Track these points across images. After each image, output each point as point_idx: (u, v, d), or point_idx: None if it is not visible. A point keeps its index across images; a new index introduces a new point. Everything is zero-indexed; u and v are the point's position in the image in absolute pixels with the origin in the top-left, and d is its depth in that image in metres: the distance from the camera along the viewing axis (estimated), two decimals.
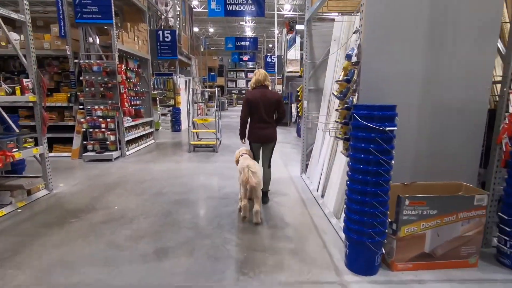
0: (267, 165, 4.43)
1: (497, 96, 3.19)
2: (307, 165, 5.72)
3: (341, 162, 3.95)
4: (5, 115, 4.64)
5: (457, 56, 2.84)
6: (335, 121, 3.10)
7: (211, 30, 25.94)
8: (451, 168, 2.97)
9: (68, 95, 7.13)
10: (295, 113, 14.69)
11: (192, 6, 17.31)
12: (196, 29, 23.71)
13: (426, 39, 2.79)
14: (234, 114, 20.25)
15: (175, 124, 11.58)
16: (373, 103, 2.64)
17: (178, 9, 12.93)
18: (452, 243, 2.69)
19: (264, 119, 4.11)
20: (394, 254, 2.68)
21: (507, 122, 2.72)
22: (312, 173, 5.33)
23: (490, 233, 3.06)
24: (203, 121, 8.01)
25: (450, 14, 2.78)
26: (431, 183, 2.89)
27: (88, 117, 6.87)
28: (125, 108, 7.16)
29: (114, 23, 6.77)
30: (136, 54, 8.18)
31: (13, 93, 4.19)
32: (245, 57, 24.51)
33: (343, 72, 2.82)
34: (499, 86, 3.07)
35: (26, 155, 4.30)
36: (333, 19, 5.08)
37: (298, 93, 5.46)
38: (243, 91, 30.73)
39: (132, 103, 8.33)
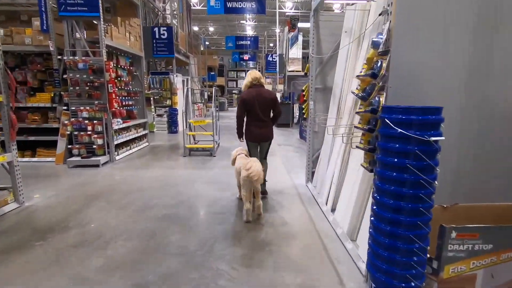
0: (263, 159, 4.48)
1: None
2: (313, 172, 5.09)
3: (356, 173, 3.32)
4: None
5: None
6: (356, 127, 2.47)
7: (211, 29, 25.33)
8: (502, 186, 2.34)
9: (52, 95, 6.51)
10: (297, 114, 14.10)
11: (191, 3, 16.69)
12: (195, 28, 23.12)
13: (477, 22, 2.15)
14: (234, 114, 19.60)
15: (172, 125, 10.96)
16: (405, 103, 2.03)
17: (175, 6, 12.31)
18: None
19: (261, 118, 4.11)
20: None
21: None
22: (319, 182, 4.70)
23: None
24: (200, 122, 7.39)
25: None
26: (477, 205, 2.26)
27: (73, 119, 6.25)
28: (114, 109, 6.54)
29: (101, 16, 6.14)
30: (128, 51, 7.56)
31: None
32: (246, 57, 23.87)
33: (366, 65, 2.21)
34: None
35: None
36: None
37: (304, 93, 4.80)
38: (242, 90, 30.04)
39: (124, 103, 7.72)
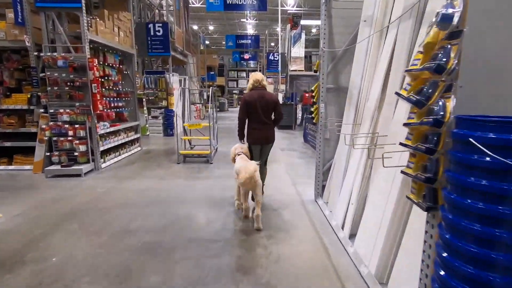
0: (263, 164, 4.32)
1: None
2: (323, 186, 4.35)
3: (385, 195, 2.58)
4: None
5: None
6: (403, 144, 1.72)
7: (211, 28, 24.58)
8: None
9: (29, 96, 5.78)
10: (300, 115, 13.35)
11: (189, 0, 15.94)
12: (195, 27, 22.39)
13: None
14: (234, 115, 18.85)
15: (168, 127, 10.22)
16: (484, 111, 1.30)
17: (172, 2, 11.57)
18: None
19: (263, 120, 4.05)
20: None
21: None
22: (332, 199, 3.96)
23: None
24: (195, 126, 6.66)
25: None
26: None
27: (52, 123, 5.52)
28: (99, 112, 5.81)
29: (83, 7, 5.41)
30: (117, 48, 6.82)
31: None
32: (246, 56, 23.13)
33: (423, 54, 1.46)
34: None
35: None
36: None
37: (313, 93, 4.06)
38: (244, 91, 29.31)
39: (113, 105, 6.98)
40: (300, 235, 3.36)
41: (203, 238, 3.28)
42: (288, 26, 15.97)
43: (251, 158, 4.02)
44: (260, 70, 27.01)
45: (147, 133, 9.05)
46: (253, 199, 3.81)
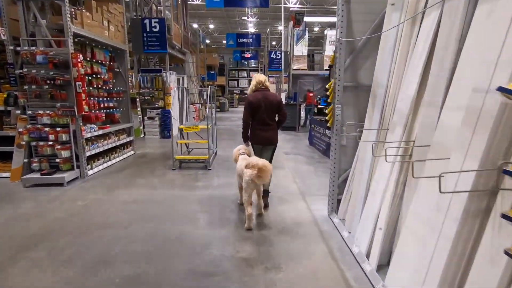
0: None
1: None
2: (338, 200, 3.71)
3: (435, 227, 1.93)
4: None
5: None
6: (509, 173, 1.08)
7: (211, 26, 23.94)
8: None
9: (5, 96, 5.14)
10: (304, 116, 12.70)
11: None
12: (195, 25, 21.74)
13: None
14: (235, 116, 18.24)
15: (165, 129, 9.58)
16: None
17: None
18: None
19: (266, 121, 3.96)
20: None
21: None
22: (351, 217, 3.31)
23: None
24: (192, 129, 6.01)
25: None
26: None
27: (31, 126, 4.88)
28: (84, 113, 5.18)
29: None
30: (106, 43, 6.17)
31: None
32: (247, 54, 22.49)
33: None
34: None
35: None
36: None
37: (328, 92, 3.41)
38: (245, 91, 28.74)
39: (102, 105, 6.35)
40: (316, 267, 2.71)
41: (196, 271, 2.63)
42: (291, 23, 15.32)
43: None
44: (261, 70, 26.37)
45: (141, 136, 8.41)
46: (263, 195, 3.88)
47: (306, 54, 15.59)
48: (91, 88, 5.93)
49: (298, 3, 17.89)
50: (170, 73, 9.94)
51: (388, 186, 2.63)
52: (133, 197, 4.40)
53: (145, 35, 9.53)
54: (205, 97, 17.22)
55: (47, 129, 4.89)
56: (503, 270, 1.42)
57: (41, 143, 4.91)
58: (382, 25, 3.10)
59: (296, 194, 4.58)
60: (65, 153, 4.98)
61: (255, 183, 3.39)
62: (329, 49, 15.49)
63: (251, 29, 23.91)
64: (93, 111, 5.91)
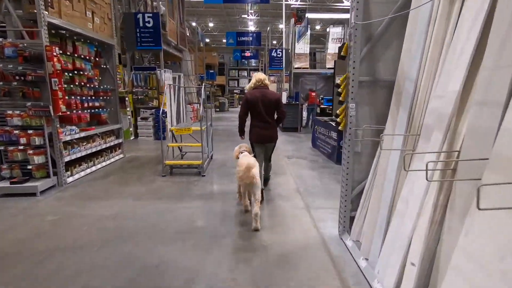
0: (268, 161, 4.31)
1: None
2: (351, 218, 3.09)
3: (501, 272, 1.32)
4: None
5: None
6: None
7: (211, 25, 23.32)
8: None
9: None
10: (306, 116, 12.07)
11: None
12: (194, 24, 21.13)
13: None
14: (235, 116, 17.61)
15: (159, 130, 8.97)
16: None
17: None
18: None
19: (265, 119, 3.93)
20: None
21: None
22: (368, 240, 2.69)
23: None
24: (184, 131, 5.40)
25: None
26: None
27: None
28: (62, 113, 4.57)
29: None
30: (90, 36, 5.55)
31: None
32: (248, 53, 21.88)
33: None
34: None
35: None
36: None
37: (340, 89, 2.78)
38: (246, 91, 28.12)
39: (86, 104, 5.75)
40: None
41: None
42: (292, 20, 14.71)
43: (254, 157, 3.83)
44: (261, 69, 25.76)
45: (131, 138, 7.79)
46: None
47: (308, 52, 14.98)
48: (72, 86, 5.33)
49: (299, 0, 17.26)
50: (165, 71, 9.34)
51: (423, 209, 2.01)
52: (113, 210, 3.79)
53: (138, 30, 8.95)
54: (203, 96, 16.61)
55: (17, 131, 4.29)
56: None
57: (11, 148, 4.31)
58: (408, 7, 2.48)
59: (300, 206, 3.96)
60: (38, 159, 4.37)
61: (248, 184, 3.34)
62: (332, 47, 14.88)
63: (251, 27, 23.30)
64: (74, 111, 5.32)
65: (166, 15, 9.28)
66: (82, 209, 3.83)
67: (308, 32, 13.48)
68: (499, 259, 1.36)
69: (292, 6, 17.36)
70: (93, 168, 5.58)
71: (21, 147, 4.31)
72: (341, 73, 8.46)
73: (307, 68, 14.81)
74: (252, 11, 19.92)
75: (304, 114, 11.94)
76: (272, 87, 13.98)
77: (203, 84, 6.05)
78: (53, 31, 4.86)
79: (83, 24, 5.32)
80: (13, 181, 4.26)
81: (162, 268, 2.56)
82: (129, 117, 7.17)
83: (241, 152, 3.83)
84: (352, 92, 2.83)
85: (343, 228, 3.10)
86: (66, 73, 5.14)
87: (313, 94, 11.37)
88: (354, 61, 2.79)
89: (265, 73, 15.98)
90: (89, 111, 5.82)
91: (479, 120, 1.72)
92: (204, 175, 5.30)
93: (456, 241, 1.68)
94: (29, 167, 4.33)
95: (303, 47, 14.81)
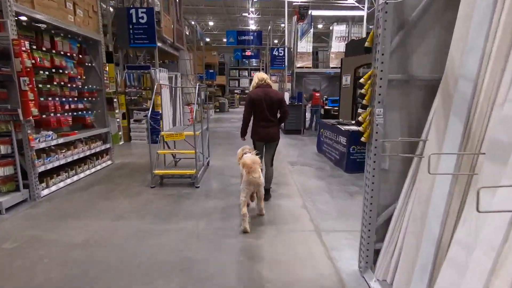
0: (269, 164, 4.15)
1: None
2: (376, 250, 2.45)
3: None
4: None
5: None
6: None
7: (211, 23, 22.67)
8: None
9: None
10: (309, 117, 11.42)
11: None
12: (193, 22, 20.50)
13: None
14: (235, 117, 17.00)
15: (153, 133, 8.32)
16: None
17: None
18: None
19: (268, 118, 3.91)
20: None
21: None
22: (402, 284, 2.06)
23: None
24: (176, 137, 4.77)
25: None
26: None
27: None
28: (33, 117, 3.95)
29: None
30: (70, 30, 4.92)
31: None
32: (248, 52, 21.24)
33: None
34: None
35: None
36: None
37: (363, 89, 2.13)
38: (246, 91, 27.52)
39: (68, 107, 5.12)
40: None
41: None
42: (294, 18, 14.05)
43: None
44: (262, 69, 25.11)
45: (120, 142, 7.15)
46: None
47: (311, 50, 14.33)
48: (49, 85, 4.71)
49: None
50: (160, 70, 8.71)
51: (502, 265, 1.37)
52: (87, 233, 3.15)
53: (131, 27, 8.32)
54: (202, 97, 15.99)
55: None
56: None
57: None
58: None
59: (308, 228, 3.32)
60: (5, 170, 3.75)
61: (253, 184, 3.34)
62: (335, 46, 14.23)
63: (252, 26, 22.64)
64: (53, 115, 4.70)
65: (161, 11, 8.64)
66: (49, 232, 3.20)
67: (311, 30, 12.83)
68: None
69: (294, 3, 16.71)
70: (75, 178, 4.96)
71: None
72: (348, 73, 7.86)
73: (310, 67, 14.15)
74: (253, 9, 19.25)
75: (307, 115, 11.29)
76: (274, 87, 13.36)
77: (197, 84, 5.40)
78: (24, 23, 4.23)
79: (62, 16, 4.68)
80: None
81: None
82: (118, 119, 6.53)
83: (245, 153, 3.74)
84: (379, 94, 2.19)
85: (365, 263, 2.46)
86: (42, 72, 4.53)
87: (317, 94, 10.73)
88: (382, 54, 2.15)
89: (266, 73, 15.37)
90: (70, 113, 5.19)
91: None
92: (198, 186, 4.67)
93: None
94: None
95: (305, 45, 14.15)
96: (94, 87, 5.76)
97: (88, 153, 5.34)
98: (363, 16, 13.71)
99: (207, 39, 25.97)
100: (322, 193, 4.41)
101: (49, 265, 2.59)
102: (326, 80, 15.06)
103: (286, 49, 12.64)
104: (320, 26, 21.00)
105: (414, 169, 2.24)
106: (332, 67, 14.16)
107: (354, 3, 13.81)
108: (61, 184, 4.64)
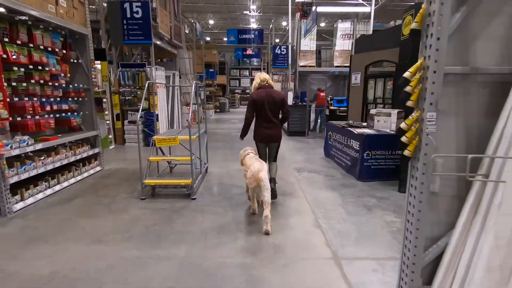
0: (272, 161, 4.09)
1: None
2: None
3: None
4: None
5: None
6: None
7: (211, 22, 22.08)
8: None
9: None
10: (314, 118, 10.82)
11: None
12: (192, 20, 19.93)
13: None
14: (236, 117, 16.44)
15: (149, 135, 7.76)
16: None
17: None
18: None
19: (270, 118, 3.88)
20: None
21: None
22: None
23: None
24: (169, 142, 4.19)
25: None
26: None
27: None
28: (3, 120, 3.37)
29: None
30: (51, 22, 4.33)
31: None
32: (249, 51, 20.66)
33: None
34: None
35: None
36: None
37: (408, 87, 1.52)
38: (247, 91, 26.94)
39: (50, 108, 4.55)
40: None
41: None
42: (297, 15, 13.46)
43: (259, 157, 3.81)
44: (264, 68, 24.52)
45: (110, 147, 6.55)
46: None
47: (314, 49, 13.74)
48: (26, 84, 4.13)
49: None
50: (156, 68, 8.13)
51: None
52: (56, 263, 2.58)
53: (125, 22, 7.75)
54: (202, 96, 15.42)
55: None
56: None
57: None
58: None
59: (324, 255, 2.74)
60: None
61: (256, 186, 3.29)
62: (340, 44, 13.64)
63: (253, 24, 22.04)
64: (30, 117, 4.12)
65: (157, 5, 8.05)
66: (11, 261, 2.62)
67: (315, 30, 12.24)
68: None
69: (297, 0, 16.11)
70: (57, 188, 4.39)
71: None
72: (358, 71, 7.25)
73: (314, 66, 13.56)
74: (254, 7, 18.65)
75: (312, 116, 10.69)
76: (276, 87, 12.79)
77: (194, 82, 4.83)
78: None
79: (40, 5, 4.10)
80: None
81: None
82: (107, 121, 5.93)
83: (247, 154, 3.71)
84: (432, 93, 1.61)
85: None
86: (17, 68, 3.94)
87: (322, 94, 10.13)
88: (438, 38, 1.56)
89: (268, 72, 14.74)
90: (53, 115, 4.62)
91: None
92: (195, 198, 4.09)
93: None
94: None
95: (309, 43, 13.58)
96: (81, 86, 5.19)
97: (73, 159, 4.77)
98: (367, 12, 13.13)
99: (208, 38, 25.40)
100: (336, 208, 3.82)
101: None
102: (330, 80, 14.48)
103: (289, 46, 12.02)
104: (322, 24, 20.41)
105: (477, 194, 1.66)
106: (337, 66, 13.58)
107: (359, 0, 13.21)
108: (40, 196, 4.07)
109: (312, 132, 10.11)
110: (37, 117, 4.26)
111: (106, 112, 6.00)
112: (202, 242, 2.95)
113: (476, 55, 1.65)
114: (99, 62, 8.19)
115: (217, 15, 21.14)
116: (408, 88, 1.70)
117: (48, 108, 4.49)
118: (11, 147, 3.58)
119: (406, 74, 1.70)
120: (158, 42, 8.34)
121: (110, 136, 6.51)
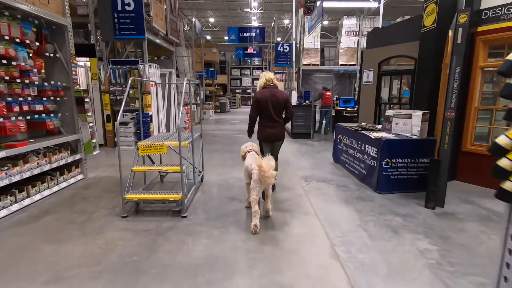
0: (274, 158, 3.65)
1: None
2: None
3: None
4: None
5: None
6: None
7: (211, 20, 21.40)
8: None
9: None
10: (319, 119, 10.15)
11: None
12: (193, 19, 19.28)
13: None
14: (237, 118, 15.78)
15: (141, 138, 7.11)
16: None
17: None
18: None
19: (273, 118, 3.87)
20: None
21: None
22: None
23: None
24: (156, 149, 3.54)
25: None
26: None
27: None
28: None
29: None
30: (18, 7, 3.68)
31: None
32: (250, 49, 19.99)
33: None
34: None
35: None
36: None
37: (502, 77, 0.83)
38: (248, 90, 26.30)
39: (18, 109, 3.89)
40: None
41: None
42: (301, 11, 12.78)
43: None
44: (265, 68, 23.86)
45: (94, 152, 5.89)
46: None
47: (319, 46, 13.06)
48: None
49: None
50: (150, 65, 7.47)
51: None
52: None
53: (116, 15, 7.09)
54: (202, 96, 14.76)
55: None
56: None
57: None
58: None
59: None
60: None
61: (265, 184, 3.15)
62: (345, 41, 12.94)
63: (255, 22, 21.37)
64: None
65: None
66: None
67: (320, 23, 11.55)
68: None
69: None
70: (25, 202, 3.73)
71: None
72: (370, 68, 6.51)
73: (318, 64, 12.88)
74: (256, 4, 17.98)
75: (317, 117, 10.01)
76: (279, 86, 12.16)
77: (186, 79, 4.18)
78: None
79: None
80: None
81: None
82: (90, 124, 5.29)
83: (248, 152, 3.63)
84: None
85: None
86: None
87: (328, 93, 9.46)
88: None
89: (270, 71, 14.08)
90: (23, 117, 3.97)
91: None
92: (185, 216, 3.43)
93: None
94: None
95: (312, 41, 12.89)
96: (59, 83, 4.53)
97: (47, 167, 4.12)
98: (373, 9, 12.44)
99: (208, 37, 24.76)
100: (355, 229, 3.15)
101: None
102: (334, 78, 13.80)
103: (293, 43, 11.33)
104: (325, 22, 19.71)
105: None
106: (342, 64, 12.90)
107: None
108: (3, 213, 3.41)
109: (317, 134, 9.43)
110: (1, 119, 3.60)
111: (89, 113, 5.35)
112: (190, 280, 2.29)
113: None
114: (88, 58, 7.56)
115: (217, 13, 20.47)
116: (507, 85, 1.03)
117: (16, 109, 3.84)
118: None
119: (501, 69, 1.02)
120: (152, 38, 7.67)
121: (94, 141, 5.84)
